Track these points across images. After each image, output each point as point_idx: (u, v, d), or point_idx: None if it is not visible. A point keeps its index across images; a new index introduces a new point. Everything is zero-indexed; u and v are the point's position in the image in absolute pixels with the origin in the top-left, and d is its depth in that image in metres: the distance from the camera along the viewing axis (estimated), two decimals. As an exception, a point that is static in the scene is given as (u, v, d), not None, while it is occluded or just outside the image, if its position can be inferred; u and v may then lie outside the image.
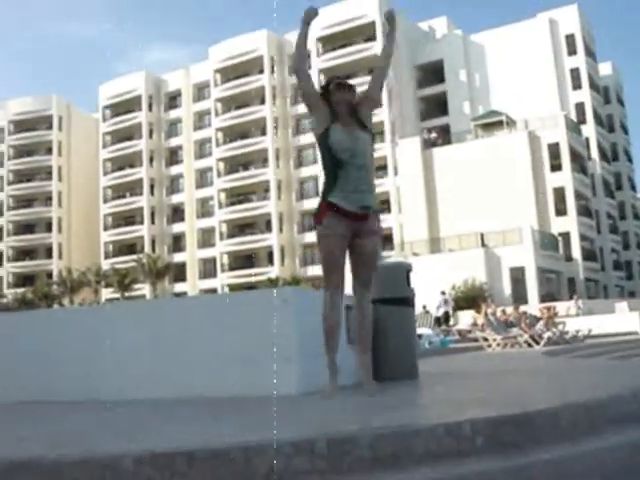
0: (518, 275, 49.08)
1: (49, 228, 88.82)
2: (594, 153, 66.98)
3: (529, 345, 19.16)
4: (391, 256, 51.82)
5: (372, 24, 69.55)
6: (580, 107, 67.31)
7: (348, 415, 4.13)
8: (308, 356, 5.63)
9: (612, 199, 71.55)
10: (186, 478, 2.81)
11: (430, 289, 33.03)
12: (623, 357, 16.48)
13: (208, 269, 78.57)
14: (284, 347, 5.66)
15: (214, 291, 71.17)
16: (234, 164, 78.23)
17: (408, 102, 71.05)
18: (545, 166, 56.30)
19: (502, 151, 55.69)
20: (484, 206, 53.35)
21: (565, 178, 56.26)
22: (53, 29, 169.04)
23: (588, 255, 58.65)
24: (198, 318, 6.30)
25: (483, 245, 49.70)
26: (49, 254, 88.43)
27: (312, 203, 67.36)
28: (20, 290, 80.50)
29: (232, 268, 75.44)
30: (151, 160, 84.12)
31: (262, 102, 77.24)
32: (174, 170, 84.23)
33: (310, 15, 5.28)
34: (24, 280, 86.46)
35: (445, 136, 63.57)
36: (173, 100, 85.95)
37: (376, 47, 69.16)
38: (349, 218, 5.05)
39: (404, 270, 7.17)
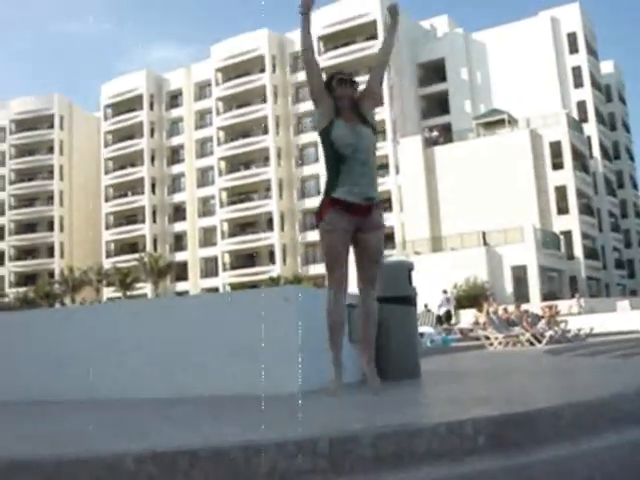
0: (520, 274, 49.09)
1: (51, 227, 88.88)
2: (596, 151, 66.96)
3: (531, 344, 19.15)
4: (393, 255, 51.78)
5: (374, 23, 69.57)
6: (582, 105, 67.26)
7: (350, 414, 4.12)
8: (310, 355, 5.62)
9: (614, 197, 71.53)
10: (188, 477, 2.80)
11: (432, 288, 33.03)
12: (625, 356, 16.45)
13: (210, 268, 78.62)
14: (286, 346, 5.65)
15: (216, 290, 71.21)
16: (235, 163, 78.26)
17: (409, 101, 71.02)
18: (547, 164, 56.27)
19: (504, 149, 55.67)
20: (486, 205, 53.34)
21: (567, 176, 56.24)
22: (54, 28, 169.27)
23: (590, 253, 58.64)
24: (199, 317, 6.29)
25: (485, 244, 49.70)
26: (51, 253, 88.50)
27: (313, 202, 67.27)
28: (22, 289, 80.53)
29: (234, 267, 75.49)
30: (152, 159, 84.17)
31: (263, 101, 77.24)
32: (175, 169, 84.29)
33: (306, 7, 5.20)
34: (26, 279, 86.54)
35: (447, 135, 63.54)
36: (174, 99, 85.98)
37: (378, 46, 69.05)
38: (352, 213, 5.01)
39: (406, 269, 7.16)
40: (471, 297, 41.63)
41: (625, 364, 10.01)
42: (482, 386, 5.85)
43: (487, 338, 19.92)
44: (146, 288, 75.12)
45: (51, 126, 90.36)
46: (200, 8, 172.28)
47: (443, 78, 72.67)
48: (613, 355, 16.39)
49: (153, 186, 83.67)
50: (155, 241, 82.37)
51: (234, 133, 78.80)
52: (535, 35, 68.11)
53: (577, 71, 67.51)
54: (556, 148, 56.50)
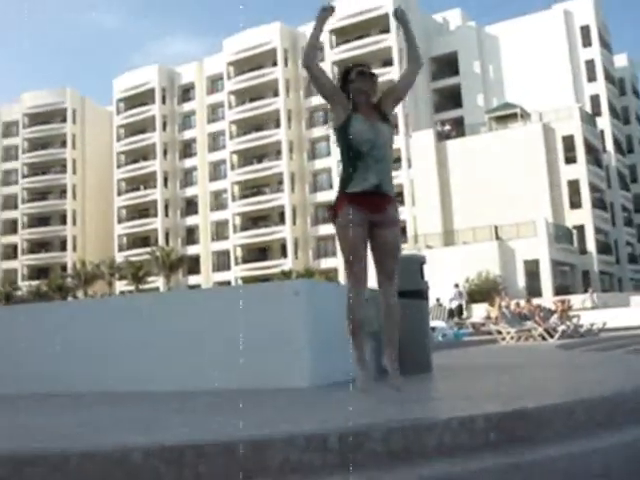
0: (532, 268, 48.96)
1: (63, 221, 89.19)
2: (609, 145, 66.61)
3: (543, 338, 19.10)
4: (404, 249, 51.72)
5: (386, 16, 69.21)
6: (595, 99, 66.93)
7: (361, 409, 4.09)
8: (320, 349, 5.61)
9: (627, 192, 71.17)
10: (196, 471, 2.79)
11: (444, 282, 33.03)
12: (638, 351, 16.37)
13: (222, 262, 78.72)
14: (296, 340, 5.63)
15: (228, 284, 71.29)
16: (248, 156, 78.30)
17: (422, 94, 70.75)
18: (559, 158, 56.02)
19: (516, 143, 55.44)
20: (498, 198, 53.17)
21: (580, 170, 56.00)
22: (69, 21, 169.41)
23: (603, 248, 58.40)
24: (210, 310, 6.28)
25: (497, 238, 49.58)
26: (63, 247, 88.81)
27: (325, 195, 67.42)
28: (35, 282, 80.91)
29: (246, 261, 75.56)
30: (165, 153, 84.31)
31: (275, 94, 77.22)
32: (188, 163, 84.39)
33: (326, 13, 5.21)
34: (38, 272, 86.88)
35: (459, 128, 63.36)
36: (187, 93, 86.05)
37: (390, 39, 69.10)
38: (367, 209, 4.96)
39: (418, 263, 7.14)
40: (483, 291, 41.51)
41: (638, 359, 9.95)
42: (494, 381, 5.82)
43: (499, 332, 19.88)
44: (158, 282, 75.29)
45: (64, 120, 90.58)
46: (213, 1, 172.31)
47: (456, 72, 72.44)
48: (626, 350, 16.32)
49: (165, 180, 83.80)
50: (167, 235, 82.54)
51: (246, 127, 78.83)
52: (548, 28, 67.77)
53: (590, 64, 67.16)
54: (569, 142, 56.25)
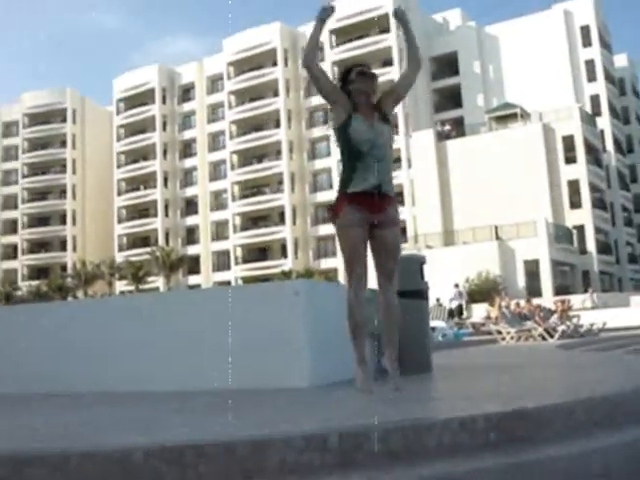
0: (532, 268, 48.96)
1: (63, 221, 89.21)
2: (609, 145, 66.60)
3: (543, 338, 19.10)
4: (404, 249, 51.71)
5: (386, 16, 69.05)
6: (595, 99, 66.93)
7: (361, 409, 4.09)
8: (320, 349, 5.61)
9: (627, 191, 71.15)
10: (196, 471, 2.79)
11: (444, 282, 33.03)
12: (638, 351, 16.37)
13: (222, 262, 78.73)
14: (296, 340, 5.63)
15: (228, 284, 71.23)
16: (248, 156, 78.30)
17: (422, 94, 70.72)
18: (559, 158, 56.03)
19: (516, 143, 55.43)
20: (498, 199, 53.17)
21: (580, 170, 56.01)
22: (69, 21, 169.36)
23: (603, 248, 58.40)
24: (210, 310, 6.28)
25: (497, 238, 49.58)
26: (63, 247, 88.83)
27: (325, 195, 67.41)
28: (34, 282, 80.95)
29: (246, 261, 75.59)
30: (165, 153, 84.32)
31: (275, 94, 77.23)
32: (188, 163, 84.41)
33: (326, 13, 5.22)
34: (38, 272, 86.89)
35: (459, 128, 63.36)
36: (187, 93, 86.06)
37: (390, 39, 69.11)
38: (367, 209, 4.96)
39: (418, 263, 7.14)
40: (483, 291, 41.52)
41: (638, 359, 9.95)
42: (494, 381, 5.82)
43: (499, 332, 19.88)
44: (158, 282, 75.30)
45: (64, 120, 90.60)
46: (213, 1, 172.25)
47: (456, 72, 72.44)
48: (626, 350, 16.32)
49: (165, 180, 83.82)
50: (167, 235, 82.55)
51: (246, 127, 78.83)
52: (548, 28, 67.76)
53: (590, 65, 67.16)
54: (569, 142, 56.27)
